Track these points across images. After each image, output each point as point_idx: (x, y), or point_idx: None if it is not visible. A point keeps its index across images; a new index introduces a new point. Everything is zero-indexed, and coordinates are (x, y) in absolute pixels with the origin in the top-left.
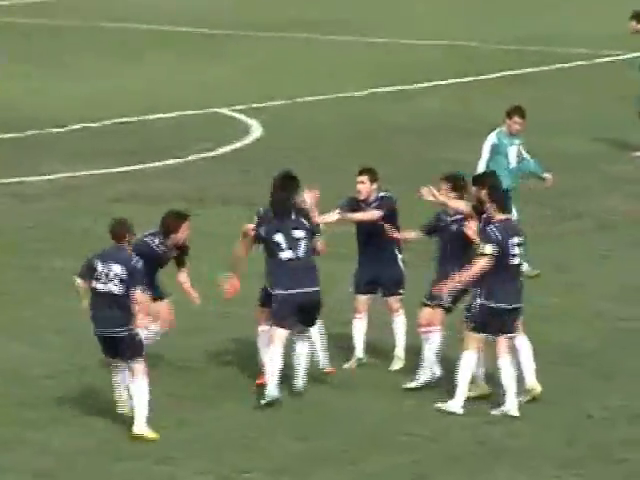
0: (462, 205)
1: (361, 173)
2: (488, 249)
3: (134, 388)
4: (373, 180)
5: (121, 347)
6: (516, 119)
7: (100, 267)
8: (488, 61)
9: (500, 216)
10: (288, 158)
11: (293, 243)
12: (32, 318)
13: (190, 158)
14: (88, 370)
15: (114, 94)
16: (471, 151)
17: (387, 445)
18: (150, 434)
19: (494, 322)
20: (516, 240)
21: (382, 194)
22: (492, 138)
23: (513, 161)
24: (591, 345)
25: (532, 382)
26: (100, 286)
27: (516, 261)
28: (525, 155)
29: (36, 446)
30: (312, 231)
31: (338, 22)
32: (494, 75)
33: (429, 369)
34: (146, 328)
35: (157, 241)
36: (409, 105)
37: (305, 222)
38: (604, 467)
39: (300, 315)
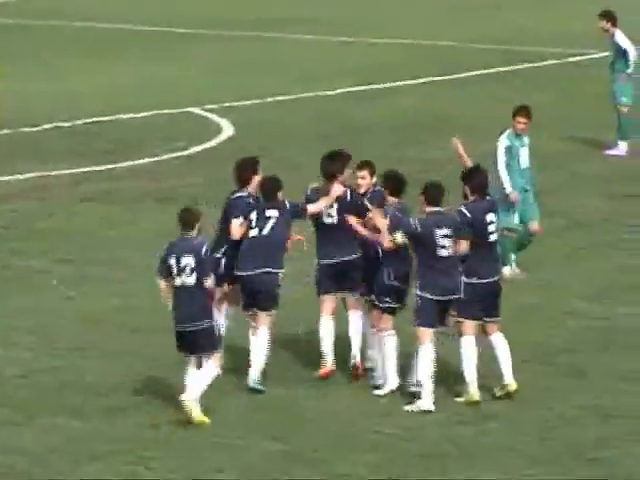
0: (469, 163)
1: (361, 168)
2: (398, 237)
3: (204, 370)
4: (372, 173)
5: (200, 340)
6: (519, 119)
7: (172, 261)
8: (460, 60)
9: (429, 208)
10: (260, 157)
11: (262, 222)
12: (4, 317)
13: (162, 157)
14: (60, 369)
15: (86, 93)
16: (442, 149)
17: (360, 444)
18: (200, 417)
19: (432, 313)
20: (445, 231)
21: (376, 188)
22: (504, 140)
23: (525, 162)
24: (563, 344)
25: (509, 379)
26: (178, 281)
27: (445, 253)
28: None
29: (8, 445)
30: (292, 213)
31: (310, 21)
32: (466, 74)
33: (394, 374)
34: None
35: (245, 193)
36: (381, 104)
37: (287, 204)
38: (576, 465)
39: (251, 297)
